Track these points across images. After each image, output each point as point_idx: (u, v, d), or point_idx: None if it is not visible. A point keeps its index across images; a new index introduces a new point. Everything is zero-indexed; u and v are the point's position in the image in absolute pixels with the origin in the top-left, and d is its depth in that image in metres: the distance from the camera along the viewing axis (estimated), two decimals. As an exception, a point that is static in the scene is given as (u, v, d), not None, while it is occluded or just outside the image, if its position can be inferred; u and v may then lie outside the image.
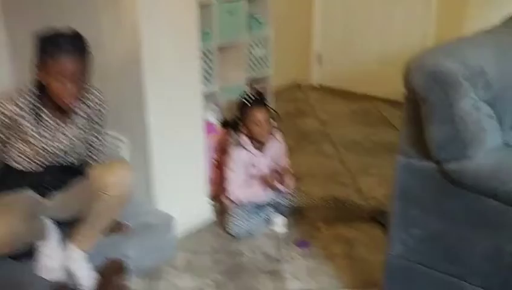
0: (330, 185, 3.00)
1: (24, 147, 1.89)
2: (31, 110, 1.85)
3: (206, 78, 3.32)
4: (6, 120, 1.84)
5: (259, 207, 2.62)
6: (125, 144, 2.34)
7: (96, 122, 2.05)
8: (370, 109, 4.27)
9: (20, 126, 1.85)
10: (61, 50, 1.76)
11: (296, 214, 2.66)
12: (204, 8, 2.71)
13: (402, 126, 1.71)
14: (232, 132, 2.65)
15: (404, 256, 1.77)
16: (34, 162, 1.92)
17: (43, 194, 1.97)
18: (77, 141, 1.99)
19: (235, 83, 3.66)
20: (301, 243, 2.43)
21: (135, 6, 2.05)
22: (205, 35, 2.89)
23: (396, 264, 1.81)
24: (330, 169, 3.19)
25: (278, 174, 2.51)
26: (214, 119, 2.73)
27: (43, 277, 1.88)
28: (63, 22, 1.87)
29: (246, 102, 2.54)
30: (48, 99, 1.85)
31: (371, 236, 2.49)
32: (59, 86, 1.79)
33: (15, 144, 1.89)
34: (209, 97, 3.37)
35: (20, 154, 1.91)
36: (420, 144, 1.64)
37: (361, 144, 3.57)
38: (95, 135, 2.07)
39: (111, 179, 1.90)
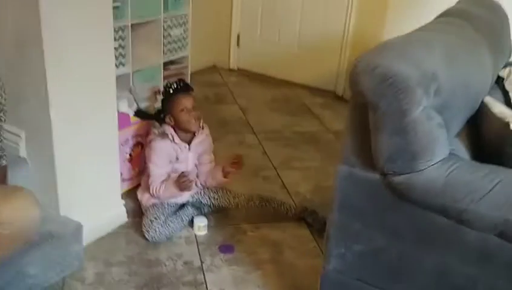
0: (253, 180, 2.83)
1: None
2: None
3: (117, 59, 3.00)
4: None
5: (179, 207, 2.38)
6: (22, 140, 1.99)
7: None
8: (290, 96, 4.14)
9: None
10: None
11: (218, 214, 2.46)
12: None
13: (346, 133, 1.55)
14: (155, 123, 2.37)
15: (342, 271, 1.64)
16: None
17: None
18: None
19: (150, 65, 3.36)
20: (225, 248, 2.24)
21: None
22: (116, 10, 2.57)
23: (333, 279, 1.67)
24: (253, 162, 3.02)
25: (180, 177, 2.26)
26: (127, 108, 2.42)
27: None
28: None
29: (171, 90, 2.29)
30: None
31: (298, 238, 2.35)
32: None
33: None
34: (121, 81, 3.06)
35: None
36: (365, 153, 1.49)
37: (282, 134, 3.43)
38: None
39: (7, 213, 1.57)
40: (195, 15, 3.44)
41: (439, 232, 1.44)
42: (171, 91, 2.30)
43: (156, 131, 2.31)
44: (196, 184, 2.42)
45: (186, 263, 2.13)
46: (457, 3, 2.28)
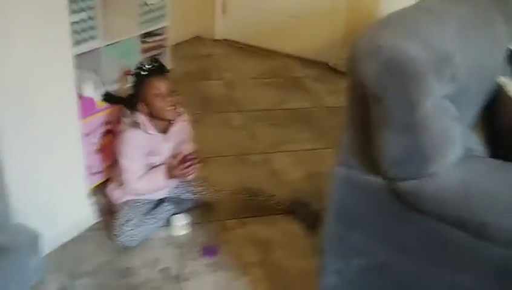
0: (239, 167, 2.56)
1: None
2: None
3: (85, 32, 2.69)
4: None
5: (156, 205, 2.13)
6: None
7: None
8: (280, 69, 3.84)
9: None
10: None
11: (201, 209, 2.21)
12: None
13: (343, 129, 1.28)
14: (126, 111, 2.08)
15: (340, 289, 1.39)
16: None
17: None
18: None
19: (125, 38, 3.06)
20: (208, 250, 1.99)
21: None
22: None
23: (329, 297, 1.43)
24: (239, 145, 2.75)
25: (182, 161, 2.01)
26: (93, 92, 2.13)
27: None
28: None
29: (143, 72, 1.99)
30: None
31: (288, 234, 2.11)
32: None
33: None
34: (90, 57, 2.76)
35: None
36: (366, 154, 1.23)
37: (271, 113, 3.15)
38: None
39: None
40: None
41: (453, 248, 1.19)
42: (143, 73, 2.00)
43: (127, 120, 2.02)
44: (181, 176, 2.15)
45: (162, 270, 1.89)
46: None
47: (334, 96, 3.38)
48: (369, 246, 1.29)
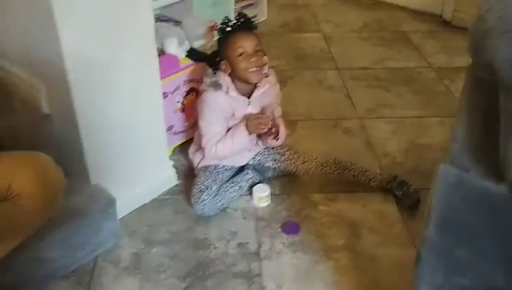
0: (332, 132, 2.34)
1: None
2: None
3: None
4: None
5: (237, 171, 1.99)
6: (43, 95, 1.65)
7: None
8: (386, 21, 3.46)
9: None
10: None
11: (284, 180, 2.04)
12: None
13: (458, 119, 1.02)
14: (208, 69, 1.93)
15: (437, 305, 1.17)
16: None
17: None
18: None
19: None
20: (289, 227, 1.83)
21: None
22: None
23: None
24: (332, 108, 2.51)
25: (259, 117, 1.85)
26: (176, 49, 1.98)
27: None
28: None
29: (228, 27, 1.81)
30: None
31: (382, 216, 1.88)
32: None
33: None
34: (182, 6, 2.61)
35: None
36: (487, 154, 0.96)
37: (372, 71, 2.84)
38: None
39: (26, 179, 1.28)
40: None
41: None
42: (228, 29, 1.83)
43: (208, 80, 1.87)
44: (257, 143, 2.00)
45: (240, 245, 1.76)
46: None
47: (446, 56, 2.98)
48: (479, 266, 1.05)
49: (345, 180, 1.99)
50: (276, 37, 3.18)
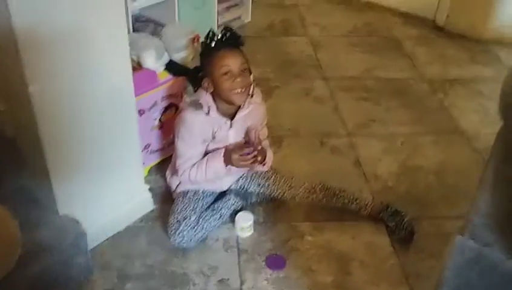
0: (319, 152, 2.20)
1: None
2: None
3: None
4: None
5: (218, 197, 1.84)
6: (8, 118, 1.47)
7: None
8: (376, 25, 3.32)
9: None
10: None
11: (269, 206, 1.90)
12: None
13: (482, 191, 0.88)
14: (188, 86, 1.77)
15: None
16: None
17: None
18: None
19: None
20: (274, 261, 1.69)
21: None
22: None
23: None
24: (320, 123, 2.37)
25: (243, 147, 1.71)
26: (154, 63, 1.81)
27: None
28: None
29: (212, 42, 1.65)
30: None
31: (372, 249, 1.76)
32: None
33: None
34: (164, 7, 2.46)
35: None
36: None
37: (361, 82, 2.71)
38: None
39: None
40: None
41: None
42: (212, 44, 1.66)
43: (188, 99, 1.71)
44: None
45: (221, 282, 1.62)
46: None
47: (439, 65, 2.86)
48: None
49: (333, 207, 1.86)
50: (261, 40, 3.02)
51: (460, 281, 0.92)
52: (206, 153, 1.74)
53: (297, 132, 2.31)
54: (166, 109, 1.94)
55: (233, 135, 1.74)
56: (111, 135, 1.61)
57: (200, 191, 1.79)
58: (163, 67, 1.87)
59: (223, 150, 1.70)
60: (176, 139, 1.74)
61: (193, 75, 1.76)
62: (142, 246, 1.73)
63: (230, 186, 1.86)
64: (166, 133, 1.98)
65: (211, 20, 2.93)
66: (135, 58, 1.83)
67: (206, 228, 1.73)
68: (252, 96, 1.73)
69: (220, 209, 1.79)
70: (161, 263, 1.67)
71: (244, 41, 1.68)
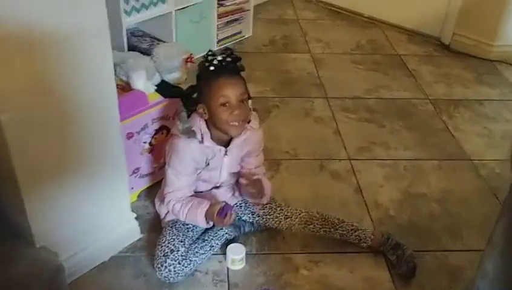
0: (317, 176, 2.10)
1: None
2: None
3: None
4: None
5: (208, 227, 1.74)
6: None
7: None
8: (379, 42, 3.23)
9: None
10: None
11: (263, 236, 1.80)
12: None
13: (490, 251, 0.78)
14: (182, 111, 1.66)
15: None
16: None
17: None
18: None
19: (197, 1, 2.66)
20: (267, 298, 1.60)
21: None
22: None
23: None
24: (320, 146, 2.27)
25: (221, 210, 1.58)
26: (144, 84, 1.72)
27: None
28: None
29: (211, 66, 1.53)
30: None
31: (372, 284, 1.65)
32: None
33: None
34: (161, 22, 2.39)
35: None
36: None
37: (363, 102, 2.61)
38: None
39: None
40: None
41: None
42: (211, 68, 1.55)
43: (181, 126, 1.60)
44: (234, 194, 1.76)
45: (208, 320, 1.52)
46: None
47: (444, 85, 2.76)
48: None
49: (331, 239, 1.76)
50: (262, 57, 2.93)
51: None
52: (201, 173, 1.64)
53: (296, 154, 2.21)
54: (157, 131, 1.85)
55: (228, 162, 1.65)
56: (93, 160, 1.51)
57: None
58: (153, 88, 1.78)
59: (207, 205, 1.59)
60: (166, 167, 1.64)
61: (188, 96, 1.66)
62: (127, 280, 1.62)
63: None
64: (156, 156, 1.89)
65: (210, 35, 2.85)
66: (124, 78, 1.75)
67: (195, 261, 1.63)
68: (248, 121, 1.63)
69: (211, 240, 1.69)
70: (146, 297, 1.57)
71: (244, 67, 1.57)
